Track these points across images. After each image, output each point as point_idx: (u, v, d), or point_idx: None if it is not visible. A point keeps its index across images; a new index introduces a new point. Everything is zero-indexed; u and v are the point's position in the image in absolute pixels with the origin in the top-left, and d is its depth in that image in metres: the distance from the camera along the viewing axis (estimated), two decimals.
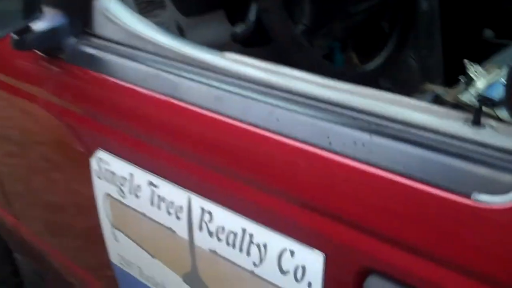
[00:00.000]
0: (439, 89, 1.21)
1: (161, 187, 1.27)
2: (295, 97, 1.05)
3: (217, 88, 1.16)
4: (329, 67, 1.95)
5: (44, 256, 2.00)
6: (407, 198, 0.88)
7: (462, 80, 1.07)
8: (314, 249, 1.00)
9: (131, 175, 1.33)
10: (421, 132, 0.90)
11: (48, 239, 1.96)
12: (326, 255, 0.99)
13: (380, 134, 0.92)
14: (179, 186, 1.23)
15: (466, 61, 1.15)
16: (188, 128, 1.21)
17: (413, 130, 0.91)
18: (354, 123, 0.96)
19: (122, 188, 1.37)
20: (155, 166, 1.29)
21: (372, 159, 0.91)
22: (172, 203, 1.25)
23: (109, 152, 1.39)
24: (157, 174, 1.28)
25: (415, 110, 0.94)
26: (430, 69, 2.12)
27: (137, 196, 1.34)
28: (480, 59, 1.19)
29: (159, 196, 1.28)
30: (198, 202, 1.19)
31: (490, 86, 1.06)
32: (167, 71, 1.26)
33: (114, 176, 1.38)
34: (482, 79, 1.07)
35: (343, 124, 0.97)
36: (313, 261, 1.01)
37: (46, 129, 1.71)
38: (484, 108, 0.90)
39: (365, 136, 0.93)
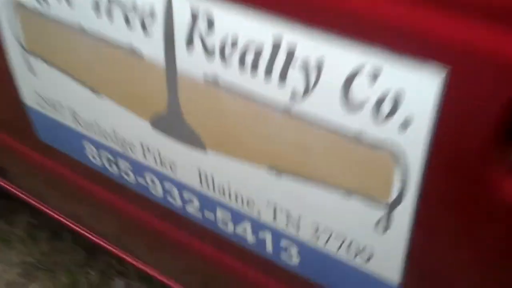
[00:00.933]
0: None
1: None
2: None
3: None
4: None
5: None
6: None
7: None
8: (425, 63, 0.60)
9: None
10: None
11: None
12: (448, 71, 0.59)
13: None
14: None
15: None
16: None
17: None
18: None
19: None
20: None
21: None
22: (134, 5, 0.77)
23: None
24: None
25: None
26: None
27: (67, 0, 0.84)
28: None
29: None
30: (185, 1, 0.72)
31: None
32: None
33: None
34: None
35: None
36: (420, 83, 0.61)
37: None
38: None
39: None
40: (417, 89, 0.62)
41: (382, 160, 0.69)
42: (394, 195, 0.71)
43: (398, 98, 0.63)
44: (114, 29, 0.80)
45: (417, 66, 0.60)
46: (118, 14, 0.78)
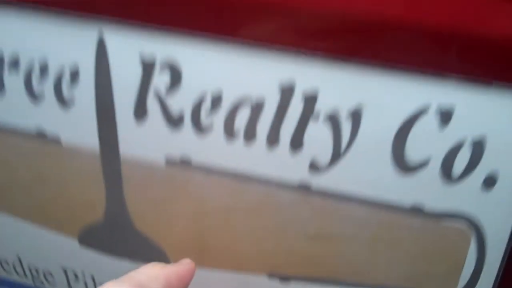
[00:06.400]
0: None
1: None
2: None
3: None
4: None
5: None
6: None
7: None
8: None
9: None
10: None
11: None
12: None
13: None
14: (69, 12, 0.48)
15: None
16: None
17: None
18: None
19: None
20: None
21: None
22: (43, 69, 0.50)
23: None
24: None
25: None
26: None
27: None
28: None
29: None
30: (130, 46, 0.47)
31: None
32: None
33: None
34: None
35: None
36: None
37: None
38: None
39: None
40: (510, 128, 0.42)
41: (449, 238, 0.48)
42: (463, 281, 0.50)
43: (479, 145, 0.43)
44: (6, 108, 0.53)
45: (509, 96, 0.41)
46: (14, 84, 0.51)
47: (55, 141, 0.53)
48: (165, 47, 0.46)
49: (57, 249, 0.61)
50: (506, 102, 0.41)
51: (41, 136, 0.53)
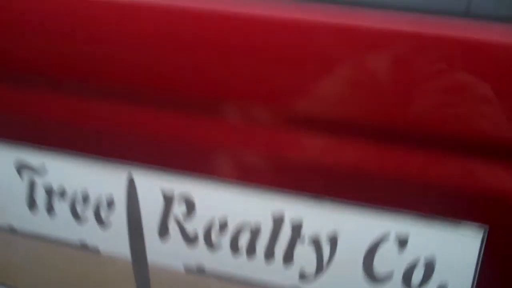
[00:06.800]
0: None
1: (50, 169, 0.63)
2: None
3: None
4: None
5: None
6: None
7: None
8: (468, 221, 0.51)
9: None
10: None
11: None
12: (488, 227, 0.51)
13: None
14: (106, 158, 0.61)
15: None
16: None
17: None
18: None
19: None
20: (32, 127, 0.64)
21: None
22: (85, 196, 0.63)
23: None
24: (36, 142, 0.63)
25: None
26: None
27: None
28: None
29: (51, 189, 0.64)
30: (154, 184, 0.60)
31: None
32: None
33: None
34: None
35: None
36: (456, 244, 0.53)
37: None
38: None
39: None
40: (452, 250, 0.53)
41: None
42: None
43: (430, 263, 0.54)
44: (56, 225, 0.66)
45: (451, 227, 0.52)
46: (62, 209, 0.64)
47: (95, 251, 0.66)
48: (181, 185, 0.58)
49: None
50: (450, 231, 0.52)
51: (83, 247, 0.66)
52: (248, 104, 0.53)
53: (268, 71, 0.50)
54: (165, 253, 0.62)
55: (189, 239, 0.60)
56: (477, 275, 0.53)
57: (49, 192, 0.64)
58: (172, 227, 0.61)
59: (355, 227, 0.55)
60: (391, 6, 0.47)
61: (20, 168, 0.64)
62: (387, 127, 0.50)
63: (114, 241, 0.64)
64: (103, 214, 0.63)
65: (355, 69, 0.48)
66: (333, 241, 0.56)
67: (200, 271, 0.62)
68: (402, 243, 0.54)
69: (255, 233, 0.58)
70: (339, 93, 0.50)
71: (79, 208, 0.63)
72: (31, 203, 0.65)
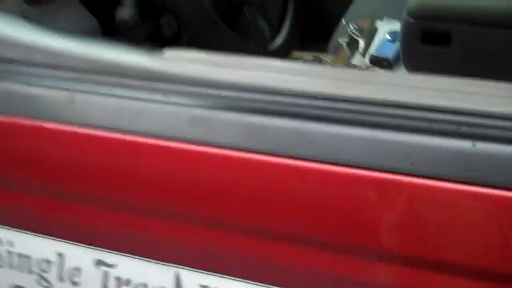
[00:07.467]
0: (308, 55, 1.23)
1: (120, 266, 0.81)
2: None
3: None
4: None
5: None
6: None
7: (342, 42, 1.14)
8: None
9: (61, 255, 0.85)
10: None
11: None
12: None
13: None
14: (155, 260, 0.78)
15: (344, 20, 1.21)
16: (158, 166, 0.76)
17: None
18: None
19: (45, 275, 0.88)
20: (103, 235, 0.82)
21: None
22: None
23: (10, 226, 0.89)
24: (108, 248, 0.81)
25: None
26: None
27: (75, 284, 0.87)
28: None
29: (118, 280, 0.82)
30: (196, 279, 0.76)
31: (380, 45, 1.13)
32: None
33: (29, 260, 0.89)
34: (363, 39, 1.13)
35: None
36: None
37: None
38: None
39: None
40: None
41: None
42: None
43: None
44: None
45: None
46: None
47: None
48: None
49: None
50: None
51: None
52: None
53: None
54: None
55: None
56: None
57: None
58: None
59: None
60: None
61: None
62: None
63: None
64: None
65: None
66: None
67: None
68: None
69: None
70: None
71: None
72: None
